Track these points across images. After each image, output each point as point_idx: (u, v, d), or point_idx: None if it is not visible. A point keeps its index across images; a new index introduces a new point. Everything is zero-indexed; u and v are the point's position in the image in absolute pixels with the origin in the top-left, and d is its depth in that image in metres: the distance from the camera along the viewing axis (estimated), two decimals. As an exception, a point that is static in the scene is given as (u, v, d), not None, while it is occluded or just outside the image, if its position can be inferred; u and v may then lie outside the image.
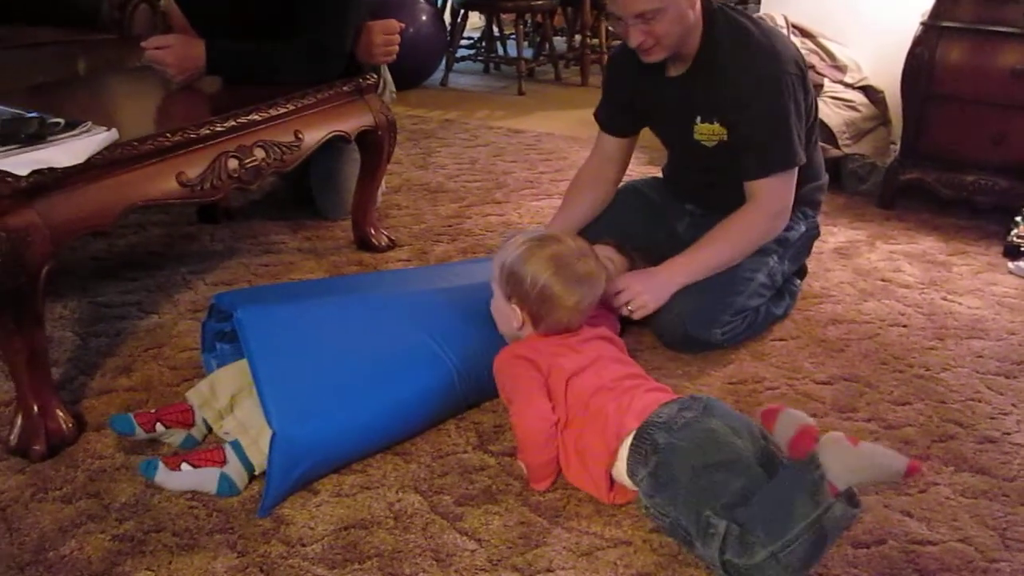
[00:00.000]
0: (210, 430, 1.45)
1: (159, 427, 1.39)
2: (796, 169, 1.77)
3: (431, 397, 1.46)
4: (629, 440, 1.26)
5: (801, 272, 2.04)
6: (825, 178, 2.00)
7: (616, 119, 1.97)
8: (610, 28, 5.02)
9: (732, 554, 1.11)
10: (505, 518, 1.29)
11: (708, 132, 1.79)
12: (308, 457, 1.30)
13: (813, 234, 1.99)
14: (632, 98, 1.90)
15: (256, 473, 1.34)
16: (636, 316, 1.71)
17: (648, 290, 1.71)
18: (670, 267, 1.76)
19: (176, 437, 1.42)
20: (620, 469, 1.28)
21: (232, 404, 1.44)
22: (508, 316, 1.47)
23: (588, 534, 1.26)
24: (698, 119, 1.79)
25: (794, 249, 1.92)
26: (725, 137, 1.77)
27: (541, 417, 1.34)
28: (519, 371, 1.40)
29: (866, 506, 1.32)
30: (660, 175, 2.14)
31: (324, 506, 1.31)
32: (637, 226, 1.95)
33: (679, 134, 1.85)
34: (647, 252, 1.84)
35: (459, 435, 1.49)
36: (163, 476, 1.31)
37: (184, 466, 1.31)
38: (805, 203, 1.92)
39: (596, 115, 2.01)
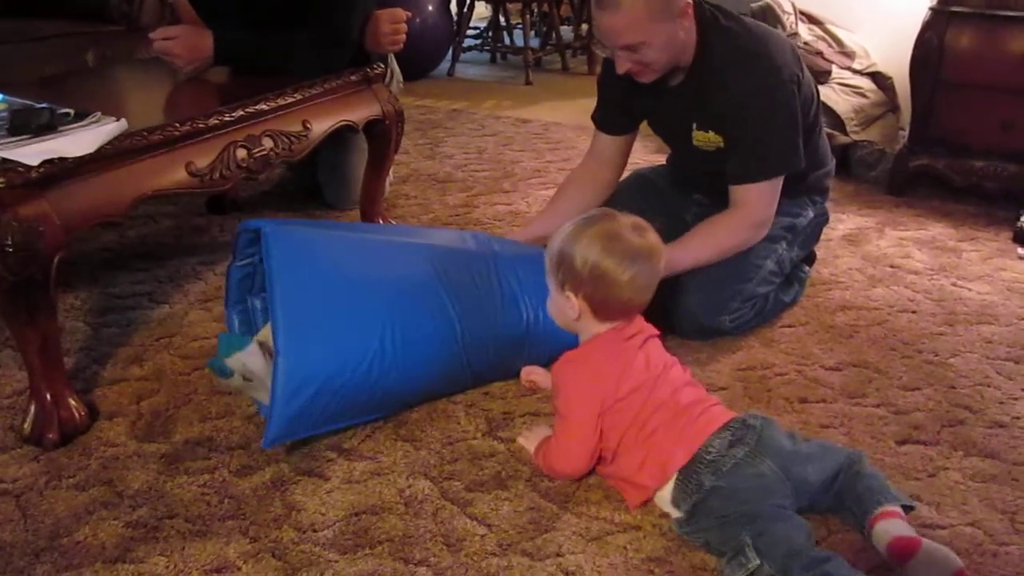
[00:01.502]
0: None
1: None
2: (782, 177, 1.74)
3: (435, 346, 1.47)
4: (675, 475, 1.24)
5: (810, 259, 2.04)
6: (832, 164, 1.99)
7: (614, 118, 1.93)
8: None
9: None
10: (515, 503, 1.30)
11: (705, 140, 1.78)
12: (312, 381, 1.32)
13: (822, 220, 1.99)
14: (629, 100, 1.86)
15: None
16: None
17: None
18: None
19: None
20: (663, 497, 1.26)
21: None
22: (563, 307, 1.35)
23: (597, 519, 1.27)
24: (694, 126, 1.78)
25: (803, 236, 1.92)
26: (722, 144, 1.75)
27: (580, 467, 1.32)
28: (582, 395, 1.30)
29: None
30: (666, 163, 2.13)
31: (335, 492, 1.31)
32: (644, 214, 1.95)
33: (678, 139, 1.86)
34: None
35: (468, 422, 1.50)
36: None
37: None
38: (813, 190, 1.92)
39: (593, 116, 1.96)
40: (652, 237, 1.34)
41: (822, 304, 1.96)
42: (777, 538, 1.12)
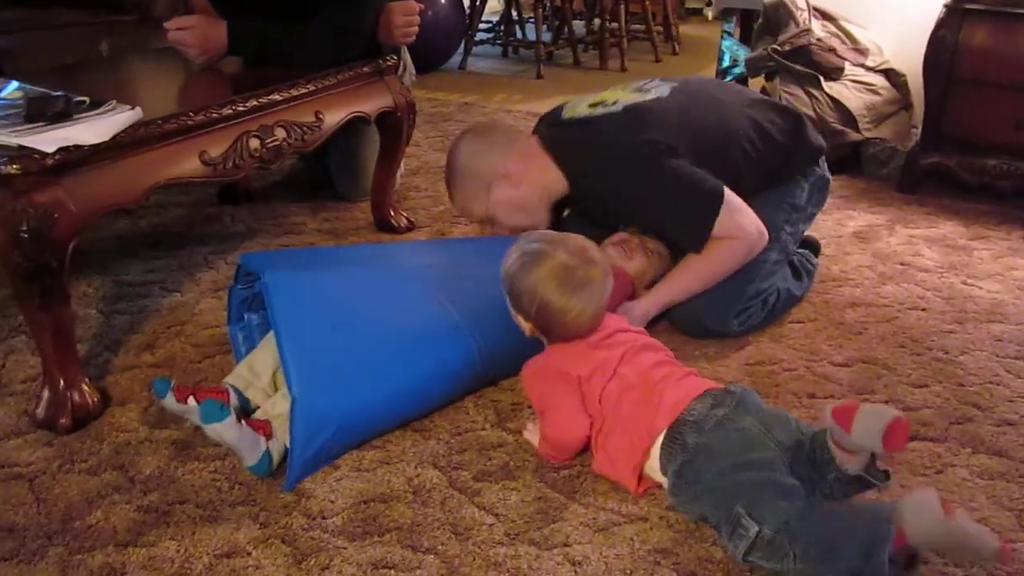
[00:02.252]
0: (253, 411, 1.45)
1: (191, 400, 1.37)
2: (723, 201, 1.66)
3: (452, 371, 1.47)
4: (660, 439, 1.26)
5: (815, 248, 2.04)
6: (802, 127, 1.91)
7: None
8: (631, 12, 5.00)
9: (759, 556, 1.11)
10: (522, 494, 1.30)
11: (634, 232, 1.82)
12: (329, 425, 1.32)
13: (822, 185, 1.94)
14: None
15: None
16: None
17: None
18: (648, 299, 1.72)
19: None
20: (652, 466, 1.28)
21: (275, 382, 1.45)
22: (521, 325, 1.42)
23: (604, 510, 1.27)
24: (620, 227, 1.83)
25: (808, 209, 1.92)
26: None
27: (578, 429, 1.34)
28: (550, 384, 1.37)
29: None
30: None
31: (344, 480, 1.32)
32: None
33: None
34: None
35: (477, 412, 1.50)
36: (169, 402, 1.32)
37: (191, 400, 1.31)
38: (796, 163, 1.89)
39: None
40: (596, 263, 1.37)
41: (831, 301, 1.96)
42: (770, 502, 1.12)
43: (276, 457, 1.33)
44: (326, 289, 1.46)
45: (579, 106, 1.87)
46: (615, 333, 1.41)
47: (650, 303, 1.72)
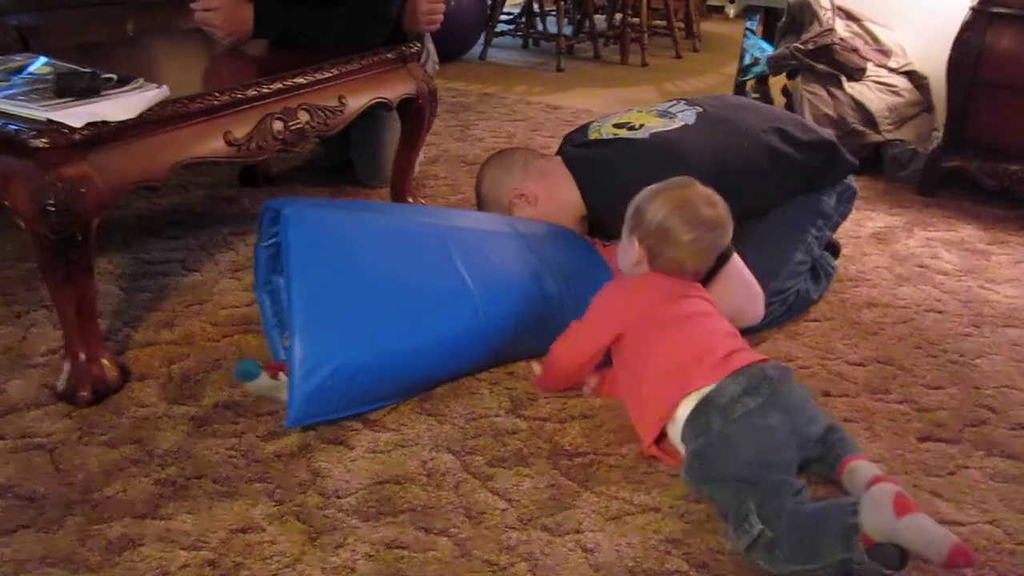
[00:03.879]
0: None
1: (282, 376, 1.42)
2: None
3: (457, 336, 1.49)
4: (691, 403, 1.28)
5: (835, 251, 2.04)
6: (828, 146, 1.90)
7: None
8: (653, 7, 4.99)
9: (758, 556, 1.14)
10: (536, 480, 1.31)
11: None
12: (328, 361, 1.34)
13: (849, 195, 1.95)
14: None
15: None
16: None
17: None
18: None
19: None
20: (675, 431, 1.31)
21: None
22: (627, 251, 1.48)
23: (617, 499, 1.28)
24: None
25: (835, 217, 1.93)
26: None
27: (581, 356, 1.46)
28: (603, 310, 1.46)
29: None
30: None
31: (359, 461, 1.34)
32: None
33: None
34: None
35: (492, 399, 1.51)
36: (263, 382, 1.43)
37: (282, 376, 1.41)
38: (823, 178, 1.89)
39: None
40: (721, 211, 1.45)
41: (848, 300, 1.96)
42: (780, 508, 1.14)
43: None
44: (342, 230, 1.49)
45: (604, 126, 1.91)
46: (695, 297, 1.45)
47: None
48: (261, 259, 1.61)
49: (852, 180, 1.97)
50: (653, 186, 1.49)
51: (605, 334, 1.44)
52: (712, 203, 1.45)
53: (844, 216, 1.98)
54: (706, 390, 1.27)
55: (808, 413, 1.29)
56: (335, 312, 1.38)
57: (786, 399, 1.27)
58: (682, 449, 1.30)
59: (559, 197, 1.84)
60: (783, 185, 1.85)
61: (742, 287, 1.61)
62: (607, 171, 1.80)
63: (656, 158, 1.75)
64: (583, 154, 1.87)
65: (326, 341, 1.35)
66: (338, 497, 1.26)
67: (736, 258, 1.59)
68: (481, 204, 1.94)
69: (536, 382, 1.54)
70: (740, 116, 1.89)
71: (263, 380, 1.43)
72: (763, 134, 1.83)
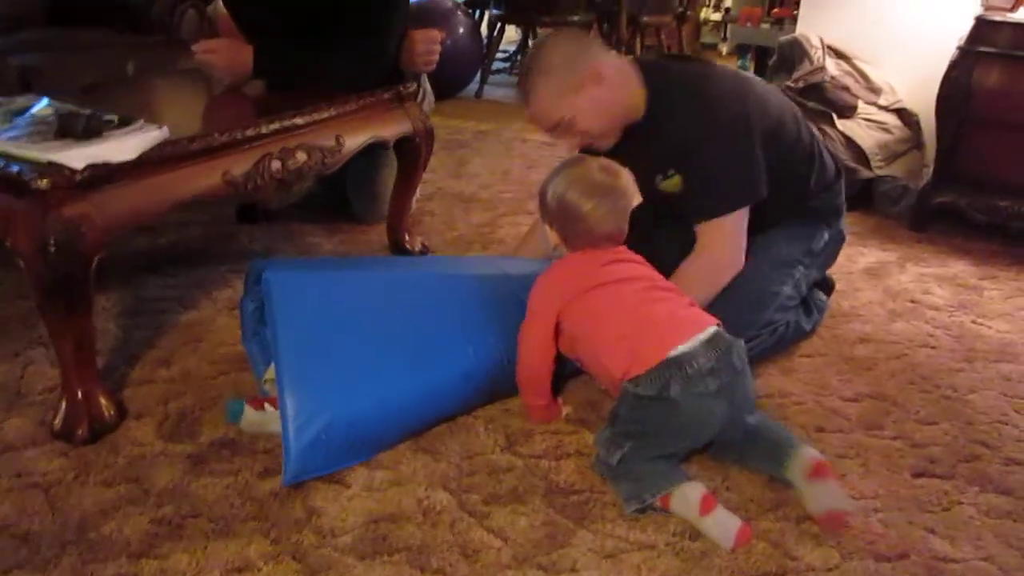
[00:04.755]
0: None
1: (268, 407, 1.45)
2: (745, 213, 1.73)
3: (452, 381, 1.50)
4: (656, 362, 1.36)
5: (828, 287, 2.05)
6: (841, 184, 1.96)
7: None
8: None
9: (599, 464, 1.39)
10: (531, 518, 1.32)
11: (672, 185, 1.78)
12: (321, 414, 1.34)
13: (839, 240, 1.97)
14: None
15: None
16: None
17: None
18: None
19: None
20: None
21: None
22: (547, 237, 1.56)
23: (612, 537, 1.28)
24: (659, 178, 1.77)
25: (821, 258, 1.93)
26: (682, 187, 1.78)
27: (536, 348, 1.50)
28: (538, 293, 1.52)
29: (889, 521, 1.34)
30: None
31: (355, 499, 1.34)
32: None
33: (645, 190, 1.74)
34: None
35: (488, 436, 1.52)
36: (248, 416, 1.45)
37: (267, 407, 1.43)
38: (825, 213, 1.92)
39: None
40: (618, 175, 1.50)
41: (841, 336, 1.97)
42: (641, 457, 1.35)
43: None
44: (326, 288, 1.51)
45: None
46: (628, 261, 1.51)
47: None
48: (247, 311, 1.64)
49: (844, 224, 1.99)
50: (552, 171, 1.55)
51: (545, 322, 1.49)
52: (606, 169, 1.49)
53: (831, 260, 1.99)
54: (679, 349, 1.35)
55: (747, 407, 1.42)
56: (323, 367, 1.39)
57: (738, 391, 1.39)
58: (628, 387, 1.38)
59: (626, 93, 1.75)
60: (797, 187, 1.85)
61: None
62: (682, 84, 1.76)
63: (734, 82, 1.77)
64: (660, 62, 1.85)
65: (317, 396, 1.36)
66: (334, 536, 1.26)
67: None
68: (539, 73, 1.73)
69: (525, 407, 1.57)
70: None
71: (249, 414, 1.45)
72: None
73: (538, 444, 1.50)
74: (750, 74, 1.84)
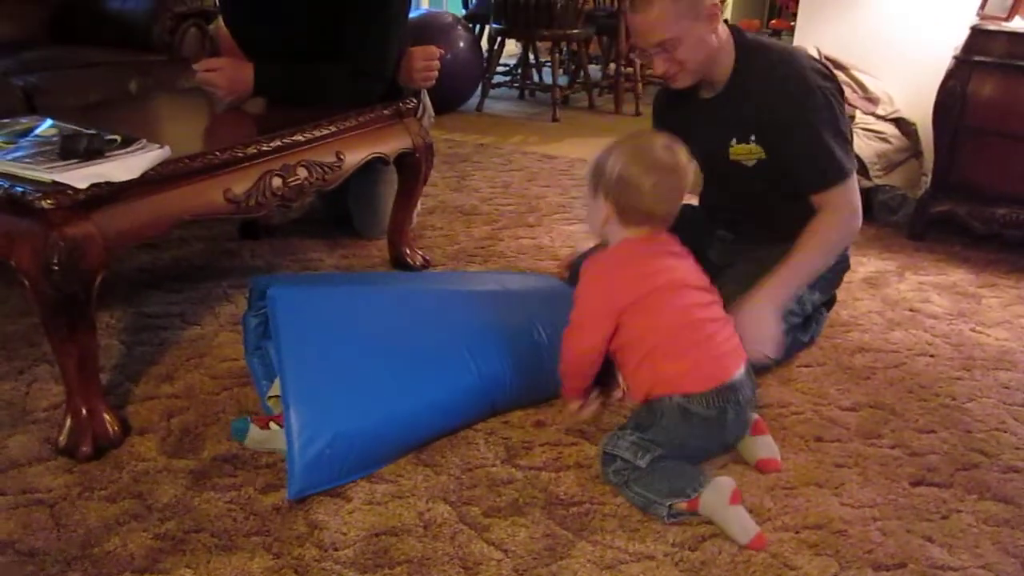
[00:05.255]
0: None
1: (273, 425, 1.46)
2: (854, 175, 1.80)
3: (454, 396, 1.52)
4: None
5: (830, 303, 2.06)
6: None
7: None
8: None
9: (610, 466, 1.41)
10: (531, 530, 1.32)
11: (745, 152, 1.83)
12: (325, 431, 1.35)
13: (843, 267, 1.99)
14: (674, 126, 1.89)
15: None
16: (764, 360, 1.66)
17: (747, 327, 1.59)
18: (763, 296, 1.68)
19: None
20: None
21: None
22: (595, 211, 1.51)
23: (612, 548, 1.29)
24: (734, 141, 1.83)
25: (825, 280, 1.91)
26: (763, 156, 1.81)
27: (590, 350, 1.49)
28: (595, 292, 1.48)
29: (887, 530, 1.35)
30: (696, 203, 2.16)
31: (356, 513, 1.35)
32: None
33: (715, 157, 1.87)
34: None
35: (488, 449, 1.53)
36: (253, 435, 1.46)
37: (272, 425, 1.44)
38: None
39: None
40: (681, 155, 1.48)
41: (840, 345, 1.98)
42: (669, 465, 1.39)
43: None
44: (330, 304, 1.53)
45: None
46: (681, 256, 1.52)
47: (771, 291, 1.69)
48: (250, 327, 1.66)
49: (849, 255, 1.99)
50: (610, 143, 1.51)
51: (601, 324, 1.46)
52: (669, 148, 1.48)
53: (834, 283, 1.99)
54: (734, 378, 1.43)
55: (744, 430, 1.51)
56: (328, 383, 1.40)
57: (741, 419, 1.47)
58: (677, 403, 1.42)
59: (723, 51, 1.78)
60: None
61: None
62: (771, 57, 1.80)
63: (814, 64, 1.81)
64: (752, 36, 1.86)
65: (321, 411, 1.37)
66: (335, 549, 1.27)
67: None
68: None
69: (564, 392, 1.60)
70: None
71: (254, 433, 1.46)
72: None
73: (538, 456, 1.51)
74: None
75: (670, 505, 1.34)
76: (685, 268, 1.50)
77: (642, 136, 1.55)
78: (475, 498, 1.40)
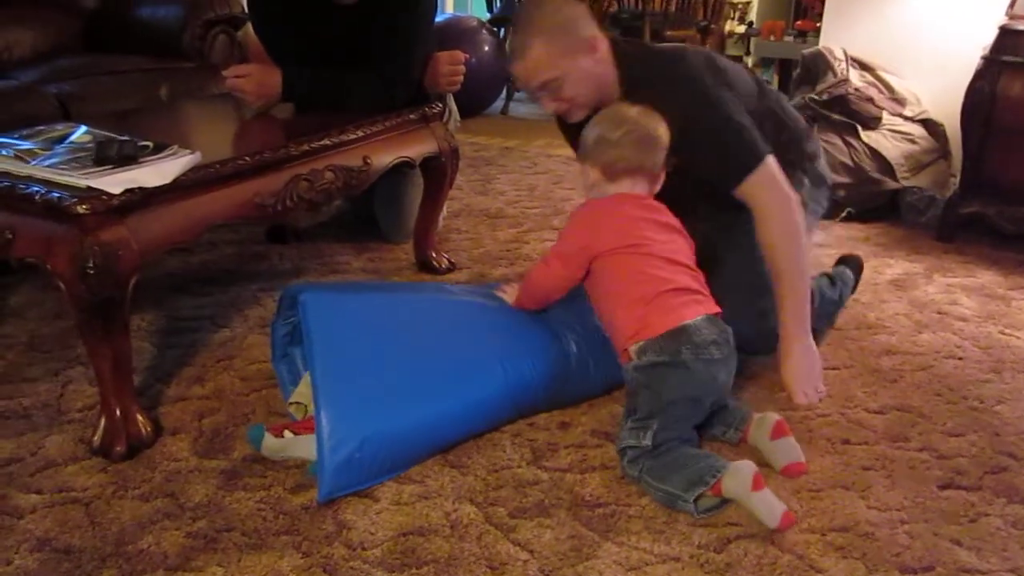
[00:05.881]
0: None
1: (287, 433, 1.47)
2: (768, 160, 1.68)
3: (483, 401, 1.53)
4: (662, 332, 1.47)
5: (856, 266, 2.06)
6: (803, 125, 1.95)
7: None
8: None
9: (624, 457, 1.46)
10: (557, 531, 1.33)
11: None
12: (355, 435, 1.37)
13: (819, 182, 1.92)
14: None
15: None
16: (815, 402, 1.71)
17: (805, 381, 1.68)
18: (795, 338, 1.68)
19: (307, 450, 1.45)
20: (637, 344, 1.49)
21: None
22: (585, 178, 1.64)
23: (637, 549, 1.30)
24: None
25: (809, 207, 1.86)
26: (676, 162, 1.72)
27: (554, 287, 1.62)
28: (576, 233, 1.59)
29: (915, 533, 1.34)
30: None
31: (384, 513, 1.37)
32: None
33: None
34: None
35: (514, 451, 1.54)
36: (268, 443, 1.46)
37: (287, 433, 1.46)
38: (797, 159, 1.88)
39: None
40: (651, 117, 1.60)
41: (867, 348, 1.97)
42: (670, 438, 1.44)
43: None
44: (361, 310, 1.55)
45: None
46: (669, 229, 1.59)
47: (799, 336, 1.68)
48: (278, 335, 1.68)
49: (824, 168, 1.95)
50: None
51: (574, 261, 1.57)
52: (641, 111, 1.60)
53: (820, 206, 1.95)
54: (687, 322, 1.46)
55: (727, 390, 1.54)
56: (359, 387, 1.42)
57: (731, 367, 1.51)
58: (635, 358, 1.48)
59: (609, 75, 1.74)
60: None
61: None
62: (655, 67, 1.77)
63: (705, 61, 1.77)
64: (634, 44, 1.85)
65: (352, 415, 1.39)
66: (363, 549, 1.29)
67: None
68: (542, 28, 1.69)
69: (515, 302, 1.69)
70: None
71: (268, 441, 1.46)
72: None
73: (563, 458, 1.52)
74: (710, 51, 1.90)
75: (695, 499, 1.36)
76: (664, 241, 1.56)
77: (619, 103, 1.67)
78: (501, 499, 1.41)
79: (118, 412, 1.49)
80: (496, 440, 1.57)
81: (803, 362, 1.68)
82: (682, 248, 1.58)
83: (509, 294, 1.73)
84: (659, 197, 1.66)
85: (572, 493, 1.42)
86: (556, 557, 1.28)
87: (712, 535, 1.32)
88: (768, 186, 1.68)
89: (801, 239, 1.68)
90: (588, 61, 1.70)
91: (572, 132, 1.87)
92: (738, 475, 1.36)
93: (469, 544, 1.30)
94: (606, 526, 1.35)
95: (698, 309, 1.49)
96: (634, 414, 1.48)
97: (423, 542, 1.30)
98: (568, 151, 1.92)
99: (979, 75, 2.55)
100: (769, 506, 1.34)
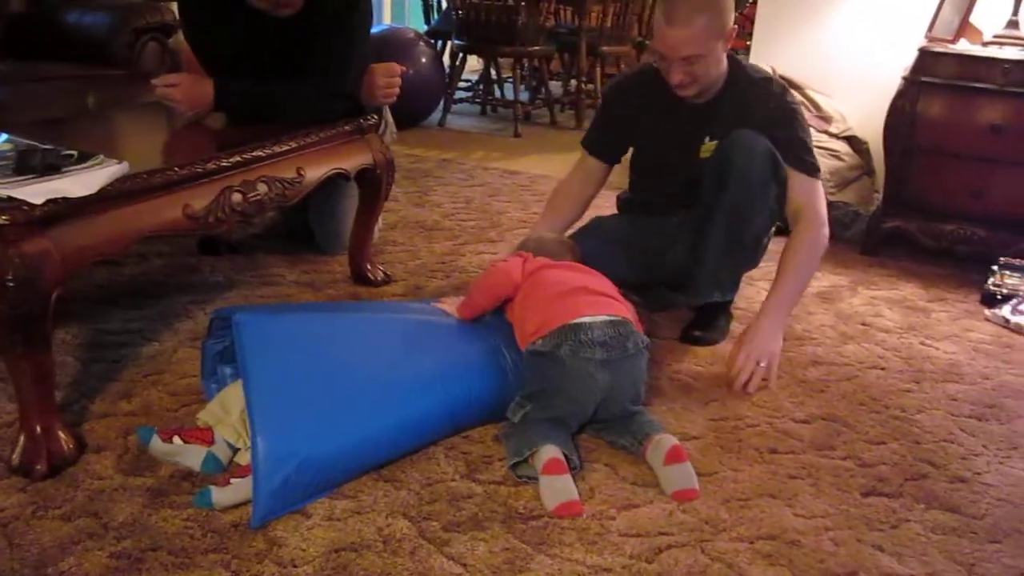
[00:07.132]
0: (235, 452, 1.50)
1: (176, 439, 1.46)
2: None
3: (419, 419, 1.52)
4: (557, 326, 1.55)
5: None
6: None
7: (609, 145, 2.16)
8: (607, 73, 5.15)
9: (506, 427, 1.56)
10: (490, 544, 1.33)
11: (711, 148, 1.96)
12: (291, 459, 1.35)
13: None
14: (634, 123, 2.06)
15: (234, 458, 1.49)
16: (760, 385, 1.86)
17: (756, 350, 1.85)
18: (766, 315, 1.89)
19: (195, 459, 1.46)
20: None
21: (244, 418, 1.49)
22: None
23: (570, 561, 1.30)
24: (707, 139, 1.96)
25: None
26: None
27: (510, 271, 1.71)
28: (508, 262, 1.75)
29: (839, 540, 1.38)
30: (625, 200, 2.26)
31: (316, 529, 1.35)
32: (635, 234, 2.09)
33: (682, 152, 2.00)
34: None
35: (448, 464, 1.54)
36: (156, 445, 1.46)
37: (176, 439, 1.46)
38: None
39: (585, 140, 2.20)
40: (563, 244, 1.93)
41: (794, 359, 2.02)
42: (537, 416, 1.52)
43: (223, 457, 1.47)
44: (296, 330, 1.53)
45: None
46: (578, 268, 1.77)
47: (772, 317, 1.90)
48: (209, 354, 1.65)
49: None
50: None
51: (513, 267, 1.72)
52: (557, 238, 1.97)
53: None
54: (581, 319, 1.54)
55: (629, 391, 1.59)
56: (294, 408, 1.40)
57: (623, 371, 1.55)
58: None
59: (723, 67, 1.94)
60: None
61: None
62: (753, 76, 2.01)
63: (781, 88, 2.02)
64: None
65: (287, 437, 1.36)
66: (294, 566, 1.27)
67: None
68: (708, 12, 1.80)
69: (457, 312, 1.75)
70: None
71: (156, 443, 1.47)
72: None
73: (498, 471, 1.52)
74: None
75: (513, 465, 1.48)
76: (579, 275, 1.70)
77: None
78: (435, 513, 1.40)
79: (39, 429, 1.44)
80: (430, 453, 1.56)
81: (760, 335, 1.86)
82: (591, 277, 1.71)
83: (449, 305, 1.76)
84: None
85: (506, 506, 1.43)
86: (490, 570, 1.28)
87: (644, 545, 1.34)
88: (822, 199, 1.96)
89: (820, 255, 1.95)
90: (722, 48, 1.88)
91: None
92: (538, 456, 1.45)
93: (402, 559, 1.29)
94: (539, 538, 1.35)
95: (601, 309, 1.57)
96: (521, 392, 1.57)
97: (356, 558, 1.29)
98: (505, 164, 2.02)
99: (900, 95, 2.64)
100: (551, 491, 1.42)
